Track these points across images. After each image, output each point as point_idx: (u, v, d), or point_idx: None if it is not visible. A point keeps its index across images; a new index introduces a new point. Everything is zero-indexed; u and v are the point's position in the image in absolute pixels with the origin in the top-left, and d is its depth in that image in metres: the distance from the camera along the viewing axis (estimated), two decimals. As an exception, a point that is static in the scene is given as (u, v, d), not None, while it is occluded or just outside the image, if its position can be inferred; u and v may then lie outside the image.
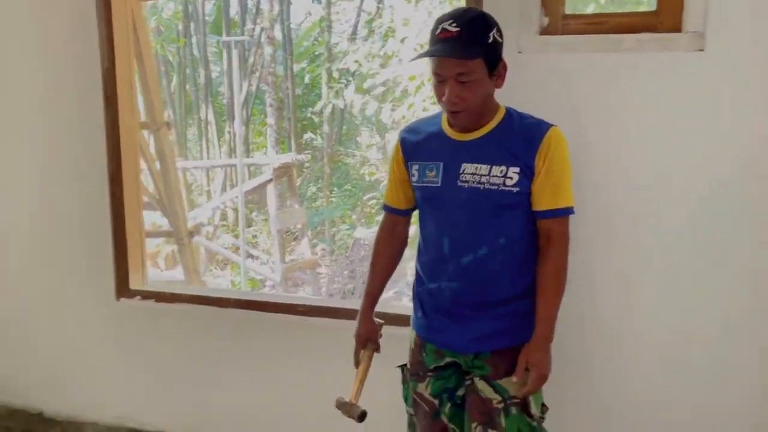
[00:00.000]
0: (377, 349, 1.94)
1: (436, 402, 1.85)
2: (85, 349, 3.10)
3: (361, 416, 1.69)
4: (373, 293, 1.95)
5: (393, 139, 7.99)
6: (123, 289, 2.92)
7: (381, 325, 1.96)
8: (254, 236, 11.13)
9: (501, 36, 1.64)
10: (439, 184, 1.71)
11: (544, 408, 1.77)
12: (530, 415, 1.71)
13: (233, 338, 2.82)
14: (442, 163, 1.71)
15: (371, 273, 1.96)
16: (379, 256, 1.95)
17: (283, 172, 7.98)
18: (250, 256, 9.05)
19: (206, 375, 2.89)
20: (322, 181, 11.65)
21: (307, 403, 2.72)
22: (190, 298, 2.84)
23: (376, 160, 10.39)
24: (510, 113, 1.72)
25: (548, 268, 1.68)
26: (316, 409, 2.71)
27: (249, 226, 10.97)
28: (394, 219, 1.93)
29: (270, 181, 7.67)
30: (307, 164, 11.65)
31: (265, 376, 2.80)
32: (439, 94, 1.64)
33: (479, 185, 1.65)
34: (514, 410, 1.71)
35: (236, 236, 9.69)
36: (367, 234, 7.84)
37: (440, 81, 1.62)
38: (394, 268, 1.99)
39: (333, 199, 10.55)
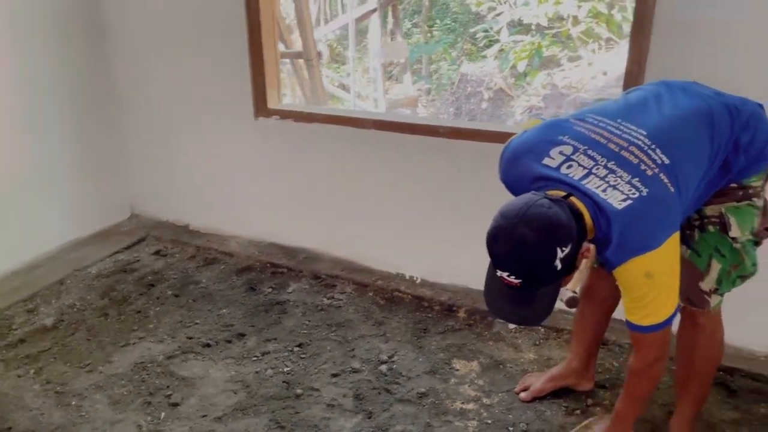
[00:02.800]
0: None
1: None
2: (227, 168, 3.23)
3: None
4: None
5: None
6: (261, 108, 2.94)
7: None
8: (347, 75, 10.92)
9: (573, 237, 1.42)
10: None
11: (765, 232, 1.70)
12: (731, 237, 1.65)
13: (371, 159, 2.83)
14: None
15: None
16: None
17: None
18: (344, 89, 8.90)
19: (343, 194, 2.96)
20: (418, 16, 11.05)
21: (447, 222, 2.75)
22: (328, 117, 2.83)
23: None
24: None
25: (630, 368, 1.72)
26: (455, 229, 2.74)
27: (342, 63, 10.72)
28: None
29: (374, 10, 7.32)
30: (403, -3, 10.98)
31: (403, 196, 2.83)
32: None
33: None
34: (711, 228, 1.66)
35: (336, 72, 9.54)
36: (474, 69, 7.48)
37: None
38: None
39: (434, 33, 10.03)
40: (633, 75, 2.18)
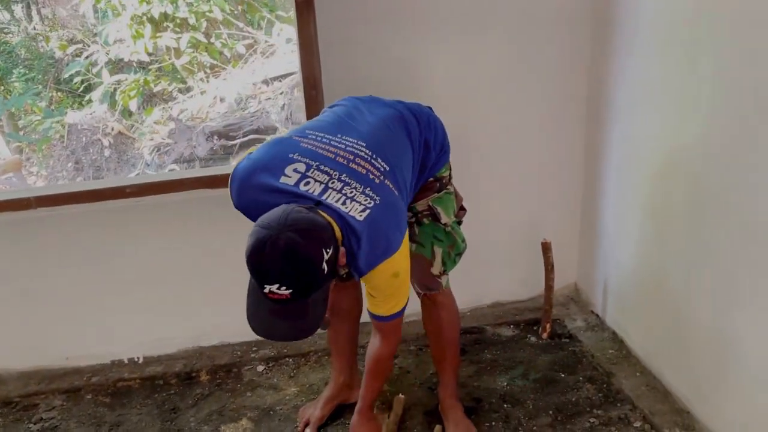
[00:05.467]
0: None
1: None
2: None
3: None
4: None
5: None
6: None
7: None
8: None
9: (333, 239, 1.47)
10: None
11: (461, 212, 1.99)
12: (442, 223, 1.89)
13: (31, 247, 2.38)
14: None
15: None
16: None
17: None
18: None
19: (4, 295, 2.41)
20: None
21: (152, 286, 2.50)
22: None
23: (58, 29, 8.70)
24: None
25: (378, 356, 1.82)
26: (163, 290, 2.51)
27: None
28: None
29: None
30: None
31: (89, 273, 2.45)
32: None
33: None
34: (426, 221, 1.89)
35: None
36: (82, 118, 6.76)
37: None
38: None
39: (10, 86, 8.69)
40: (312, 98, 2.30)
